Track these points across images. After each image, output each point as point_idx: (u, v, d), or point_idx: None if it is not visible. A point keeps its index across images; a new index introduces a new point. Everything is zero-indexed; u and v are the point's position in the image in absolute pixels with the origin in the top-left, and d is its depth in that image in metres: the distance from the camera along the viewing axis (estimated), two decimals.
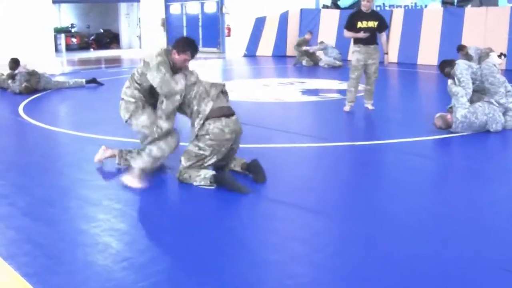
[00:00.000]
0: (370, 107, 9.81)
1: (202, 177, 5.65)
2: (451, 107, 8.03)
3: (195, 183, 5.68)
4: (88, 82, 14.38)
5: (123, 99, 6.12)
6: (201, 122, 5.80)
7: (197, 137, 5.85)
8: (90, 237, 4.57)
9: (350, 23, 9.46)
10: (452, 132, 7.79)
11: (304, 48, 17.82)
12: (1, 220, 5.01)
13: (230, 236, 4.52)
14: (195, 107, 5.89)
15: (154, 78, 5.73)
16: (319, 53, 17.92)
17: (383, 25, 9.58)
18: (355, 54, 9.48)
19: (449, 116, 7.85)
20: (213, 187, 5.58)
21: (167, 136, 5.91)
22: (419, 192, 5.65)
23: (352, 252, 4.18)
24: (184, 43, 6.00)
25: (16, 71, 13.31)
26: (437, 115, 7.99)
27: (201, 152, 5.78)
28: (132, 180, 5.75)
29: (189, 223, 4.82)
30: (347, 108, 9.70)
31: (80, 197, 5.58)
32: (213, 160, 5.85)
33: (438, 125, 7.93)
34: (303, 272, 3.86)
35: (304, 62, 17.79)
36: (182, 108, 6.01)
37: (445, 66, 8.24)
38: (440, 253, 4.09)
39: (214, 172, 5.68)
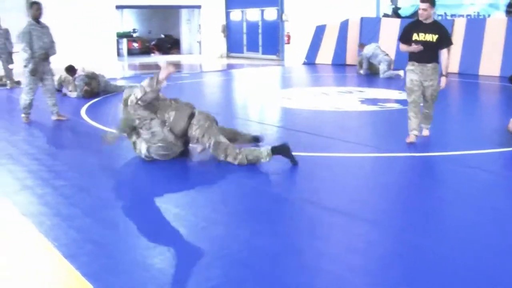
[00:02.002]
0: (425, 132, 8.42)
1: (266, 154, 6.72)
2: None
3: (263, 161, 6.74)
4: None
5: None
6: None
7: (199, 140, 6.97)
8: (148, 240, 4.64)
9: (405, 35, 8.02)
10: None
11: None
12: (64, 219, 5.14)
13: (286, 244, 4.52)
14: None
15: None
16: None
17: (445, 40, 7.90)
18: (409, 73, 7.99)
19: None
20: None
21: None
22: (480, 205, 5.52)
23: (409, 264, 4.13)
24: None
25: (76, 76, 13.63)
26: None
27: (220, 139, 6.89)
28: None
29: (245, 229, 4.84)
30: (411, 138, 7.98)
31: (140, 200, 5.69)
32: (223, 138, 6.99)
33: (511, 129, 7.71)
34: (359, 283, 3.84)
35: (361, 71, 17.57)
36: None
37: None
38: (504, 265, 4.00)
39: (270, 147, 6.82)
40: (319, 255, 4.32)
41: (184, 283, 3.87)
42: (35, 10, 9.89)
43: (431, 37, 7.74)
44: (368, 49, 17.16)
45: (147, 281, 3.89)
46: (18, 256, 4.47)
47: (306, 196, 5.66)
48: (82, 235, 4.77)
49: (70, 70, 13.87)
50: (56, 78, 13.88)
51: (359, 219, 5.02)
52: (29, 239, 4.78)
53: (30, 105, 10.29)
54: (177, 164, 7.04)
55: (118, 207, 5.50)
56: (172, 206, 5.44)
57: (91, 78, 13.57)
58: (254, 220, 5.05)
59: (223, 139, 6.99)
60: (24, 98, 10.20)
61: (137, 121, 6.98)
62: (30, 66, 9.82)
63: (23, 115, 10.36)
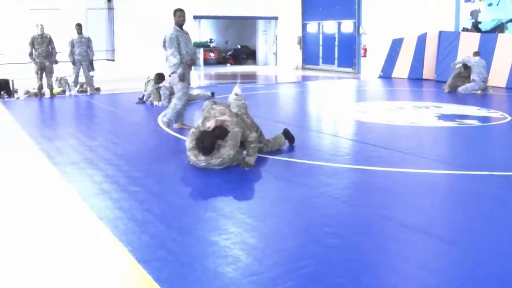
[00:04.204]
0: None
1: (283, 141, 8.45)
2: None
3: (284, 147, 8.43)
4: (212, 94, 15.02)
5: None
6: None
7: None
8: (220, 248, 4.66)
9: None
10: None
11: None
12: (138, 225, 5.23)
13: (360, 260, 4.44)
14: None
15: None
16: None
17: None
18: None
19: None
20: None
21: None
22: None
23: None
24: None
25: (161, 85, 13.91)
26: None
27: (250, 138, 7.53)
28: None
29: (317, 243, 4.80)
30: None
31: (213, 209, 5.72)
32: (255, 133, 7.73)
33: None
34: None
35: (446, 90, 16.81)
36: None
37: None
38: None
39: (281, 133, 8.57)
40: (393, 272, 4.22)
41: None
42: (179, 16, 10.01)
43: None
44: (479, 62, 16.40)
45: None
46: (93, 258, 4.56)
47: (381, 211, 5.57)
48: (155, 241, 4.83)
49: (161, 77, 14.18)
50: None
51: (436, 238, 4.89)
52: (104, 242, 4.88)
53: (183, 111, 10.44)
54: (251, 173, 7.07)
55: (191, 215, 5.54)
56: (246, 216, 5.44)
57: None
58: (327, 234, 4.99)
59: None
60: (177, 104, 10.28)
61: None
62: (180, 71, 9.92)
63: (175, 124, 10.45)
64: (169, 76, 10.21)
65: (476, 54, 16.91)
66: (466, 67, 16.59)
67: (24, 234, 5.16)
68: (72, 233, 5.13)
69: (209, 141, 7.21)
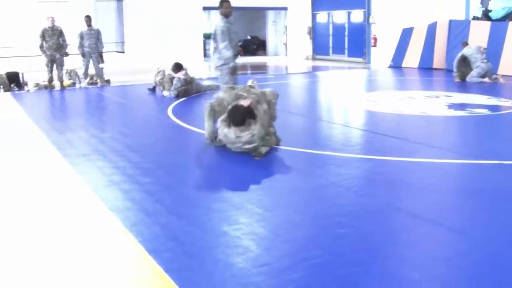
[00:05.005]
0: None
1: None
2: None
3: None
4: None
5: None
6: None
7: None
8: (230, 239, 4.67)
9: None
10: None
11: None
12: (149, 215, 5.25)
13: (369, 249, 4.43)
14: None
15: None
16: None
17: None
18: None
19: None
20: None
21: None
22: None
23: (493, 278, 3.97)
24: None
25: (176, 76, 13.92)
26: None
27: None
28: None
29: (327, 233, 4.80)
30: None
31: (223, 200, 5.73)
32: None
33: None
34: None
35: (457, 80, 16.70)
36: None
37: None
38: None
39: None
40: (402, 261, 4.22)
41: (266, 284, 3.86)
42: (226, 7, 9.83)
43: None
44: (469, 49, 16.43)
45: (228, 280, 3.91)
46: (104, 249, 4.58)
47: (391, 201, 5.56)
48: (165, 232, 4.84)
49: (178, 67, 14.19)
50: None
51: (446, 228, 4.87)
52: (114, 233, 4.90)
53: None
54: (261, 164, 7.07)
55: (201, 206, 5.54)
56: (256, 207, 5.45)
57: (188, 83, 13.90)
58: (337, 224, 4.99)
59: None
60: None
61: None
62: (232, 64, 9.76)
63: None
64: (218, 67, 10.02)
65: (465, 44, 16.87)
66: (464, 58, 16.50)
67: (33, 226, 5.19)
68: (82, 225, 5.15)
69: (241, 113, 7.37)
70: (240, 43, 32.40)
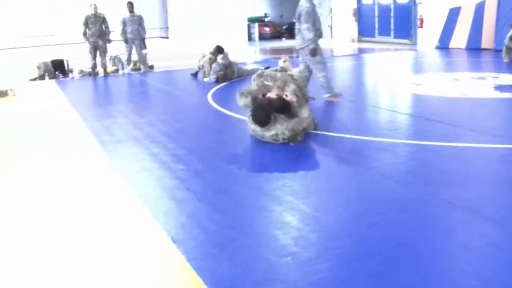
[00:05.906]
0: None
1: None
2: None
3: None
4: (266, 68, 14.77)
5: None
6: None
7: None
8: (257, 227, 4.57)
9: None
10: None
11: None
12: (178, 203, 5.21)
13: (400, 238, 4.28)
14: None
15: None
16: None
17: None
18: None
19: None
20: None
21: None
22: None
23: None
24: None
25: (216, 59, 13.89)
26: None
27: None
28: None
29: (358, 222, 4.67)
30: None
31: (253, 187, 5.63)
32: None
33: None
34: (466, 284, 3.57)
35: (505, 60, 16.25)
36: None
37: None
38: None
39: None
40: (434, 251, 4.05)
41: (291, 274, 3.75)
42: None
43: None
44: None
45: (252, 270, 3.82)
46: (129, 236, 4.55)
47: (426, 187, 5.37)
48: (192, 220, 4.78)
49: (220, 51, 14.16)
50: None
51: (483, 217, 4.65)
52: (140, 220, 4.86)
53: (330, 81, 10.37)
54: (297, 150, 6.95)
55: (231, 193, 5.46)
56: (286, 194, 5.34)
57: (227, 67, 13.85)
58: (367, 212, 4.84)
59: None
60: (322, 76, 10.23)
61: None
62: (312, 46, 9.80)
63: (327, 95, 10.39)
64: (301, 49, 10.00)
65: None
66: None
67: (63, 213, 5.19)
68: (111, 212, 5.13)
69: (264, 113, 7.15)
70: (285, 27, 32.39)
